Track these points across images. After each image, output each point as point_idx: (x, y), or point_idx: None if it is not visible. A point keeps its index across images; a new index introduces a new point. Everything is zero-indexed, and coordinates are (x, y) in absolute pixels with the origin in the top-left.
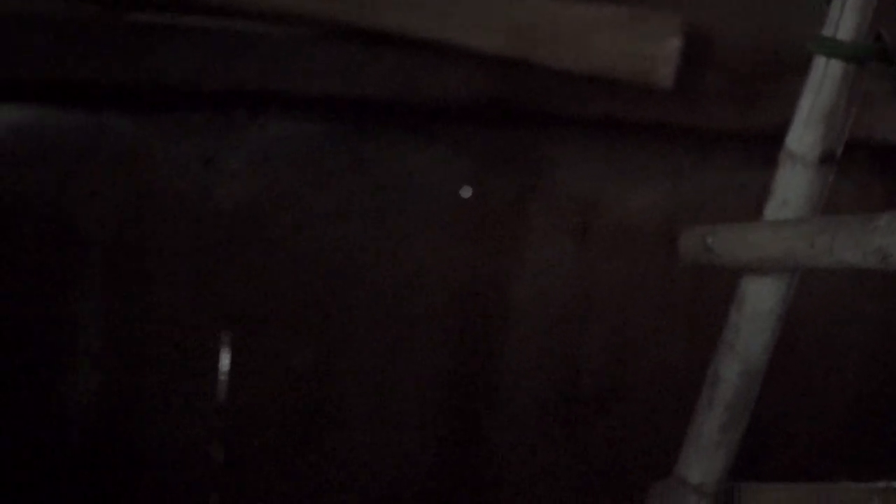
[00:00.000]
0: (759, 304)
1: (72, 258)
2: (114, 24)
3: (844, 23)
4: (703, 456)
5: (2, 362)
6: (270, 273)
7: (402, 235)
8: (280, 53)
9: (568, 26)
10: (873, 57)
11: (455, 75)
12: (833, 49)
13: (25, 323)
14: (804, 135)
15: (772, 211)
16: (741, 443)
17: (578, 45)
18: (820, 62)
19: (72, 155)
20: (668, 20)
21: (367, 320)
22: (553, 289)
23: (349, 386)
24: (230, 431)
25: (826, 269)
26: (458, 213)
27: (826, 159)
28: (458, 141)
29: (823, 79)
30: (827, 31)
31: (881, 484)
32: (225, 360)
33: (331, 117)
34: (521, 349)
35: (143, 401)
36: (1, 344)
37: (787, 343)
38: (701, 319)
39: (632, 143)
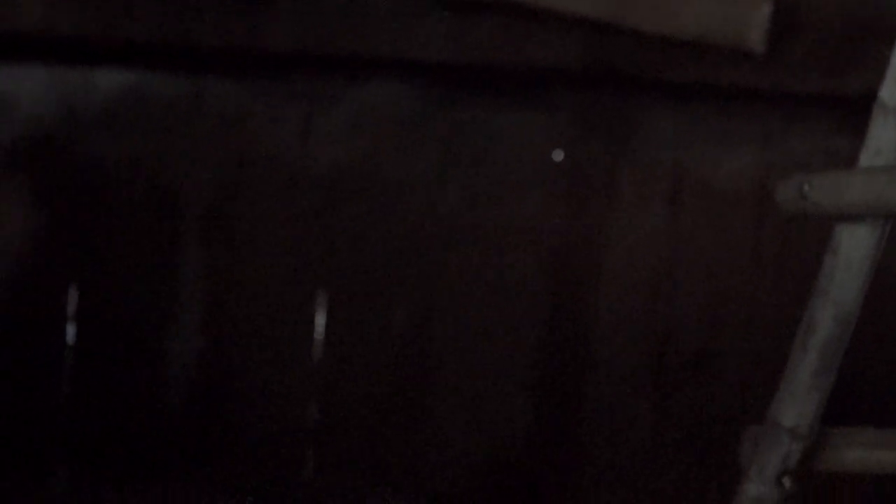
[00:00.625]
0: (853, 251)
1: (173, 221)
2: None
3: None
4: (797, 399)
5: (106, 325)
6: (367, 236)
7: (497, 199)
8: (382, 20)
9: None
10: None
11: (551, 40)
12: None
13: (129, 286)
14: None
15: (866, 160)
16: (833, 387)
17: (671, 9)
18: None
19: (173, 118)
20: None
21: (463, 282)
22: (644, 252)
23: (445, 347)
24: (327, 391)
25: None
26: (551, 177)
27: None
28: (552, 105)
29: None
30: None
31: None
32: (322, 322)
33: (428, 82)
34: (613, 312)
35: (243, 361)
36: (105, 306)
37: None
38: (789, 284)
39: (722, 108)
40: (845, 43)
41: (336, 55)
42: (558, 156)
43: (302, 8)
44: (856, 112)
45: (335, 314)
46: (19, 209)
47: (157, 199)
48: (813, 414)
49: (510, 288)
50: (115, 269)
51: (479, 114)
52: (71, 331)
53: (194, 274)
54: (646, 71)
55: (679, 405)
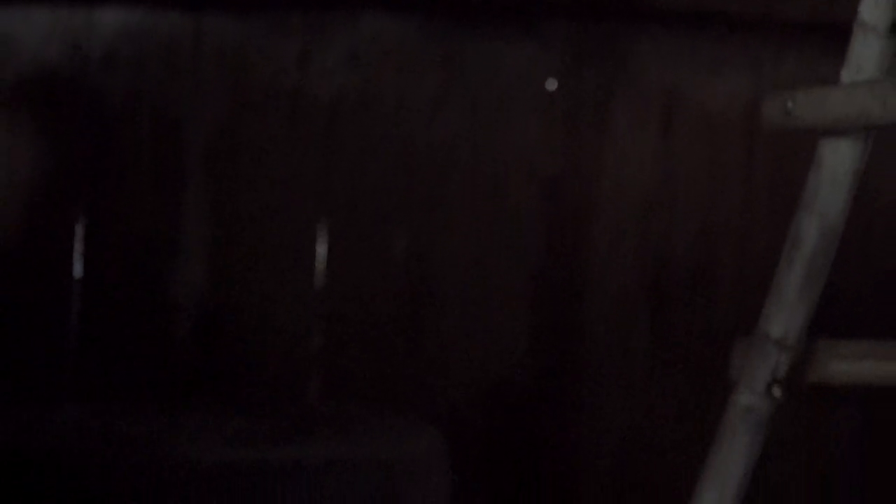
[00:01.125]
0: (837, 165)
1: (176, 155)
2: None
3: None
4: (784, 311)
5: (113, 258)
6: (366, 166)
7: (494, 128)
8: None
9: None
10: None
11: None
12: None
13: (134, 220)
14: (875, 5)
15: (847, 77)
16: (819, 300)
17: None
18: None
19: (175, 55)
20: None
21: (461, 209)
22: (639, 176)
23: (445, 273)
24: (330, 317)
25: None
26: (546, 106)
27: None
28: (547, 35)
29: None
30: None
31: None
32: (323, 249)
33: (425, 15)
34: (609, 234)
35: (247, 290)
36: (112, 240)
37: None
38: (780, 206)
39: (714, 36)
40: None
41: None
42: (552, 85)
43: None
44: (845, 38)
45: (336, 242)
46: (27, 146)
47: (161, 134)
48: (800, 325)
49: (508, 213)
50: (121, 203)
51: (475, 45)
52: (78, 264)
53: (198, 206)
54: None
55: (675, 324)
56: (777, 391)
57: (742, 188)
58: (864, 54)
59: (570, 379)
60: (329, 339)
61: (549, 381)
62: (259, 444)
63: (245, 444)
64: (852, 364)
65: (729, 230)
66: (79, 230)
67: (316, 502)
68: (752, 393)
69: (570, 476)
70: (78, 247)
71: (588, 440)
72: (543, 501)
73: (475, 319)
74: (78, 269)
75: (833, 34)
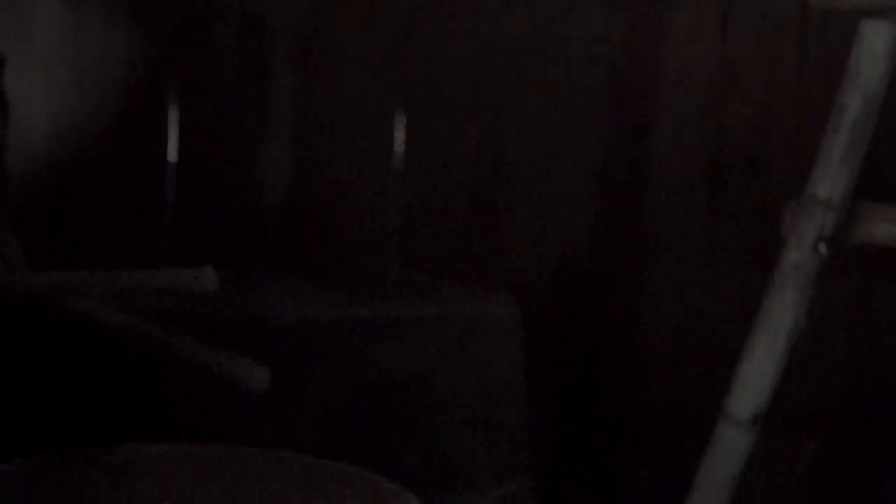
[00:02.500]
0: (876, 41)
1: (262, 48)
2: None
3: None
4: (829, 174)
5: (204, 141)
6: (442, 58)
7: (559, 20)
8: None
9: None
10: None
11: None
12: None
13: (223, 107)
14: None
15: None
16: (861, 165)
17: None
18: None
19: None
20: None
21: (531, 96)
22: (698, 65)
23: (517, 158)
24: (409, 200)
25: None
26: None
27: None
28: None
29: None
30: None
31: None
32: (402, 137)
33: None
34: (670, 119)
35: (330, 175)
36: (203, 125)
37: None
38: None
39: None
40: None
41: None
42: None
43: None
44: None
45: (414, 129)
46: (124, 37)
47: (249, 28)
48: (844, 187)
49: (574, 101)
50: (211, 93)
51: None
52: (172, 149)
53: (283, 95)
54: None
55: (732, 203)
56: (823, 248)
57: (795, 74)
58: None
59: (632, 257)
60: (407, 218)
61: (613, 259)
62: (343, 304)
63: (330, 304)
64: (894, 226)
65: (783, 113)
66: (172, 118)
67: (399, 355)
68: (801, 250)
69: (633, 347)
70: (172, 133)
71: (649, 314)
72: (608, 369)
73: (544, 201)
74: (172, 154)
75: None
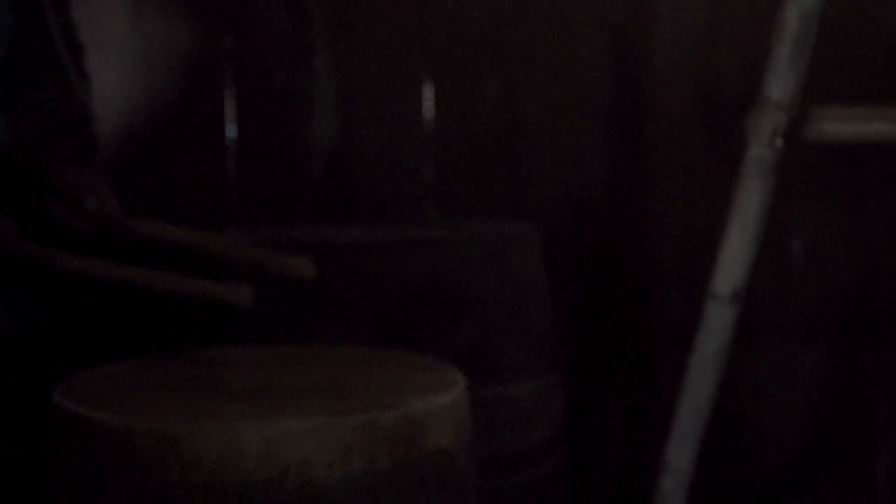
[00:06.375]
0: None
1: (304, 25)
2: None
3: None
4: (779, 78)
5: (258, 115)
6: (461, 22)
7: None
8: None
9: None
10: None
11: None
12: None
13: (271, 82)
14: None
15: None
16: (807, 73)
17: None
18: None
19: None
20: None
21: (542, 54)
22: (691, 16)
23: (530, 107)
24: (438, 151)
25: None
26: None
27: None
28: None
29: None
30: None
31: None
32: (430, 97)
33: None
34: (667, 64)
35: (368, 134)
36: (255, 100)
37: None
38: None
39: None
40: None
41: None
42: None
43: None
44: None
45: (440, 88)
46: (182, 26)
47: (291, 8)
48: (792, 90)
49: (581, 54)
50: (261, 70)
51: None
52: (230, 111)
53: (326, 66)
54: None
55: (727, 140)
56: (779, 142)
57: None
58: None
59: (638, 188)
60: (439, 169)
61: (622, 193)
62: (385, 231)
63: (374, 230)
64: (842, 125)
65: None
66: (228, 96)
67: (437, 267)
68: (760, 145)
69: (642, 267)
70: (229, 105)
71: (655, 235)
72: (622, 283)
73: (558, 145)
74: (231, 129)
75: None
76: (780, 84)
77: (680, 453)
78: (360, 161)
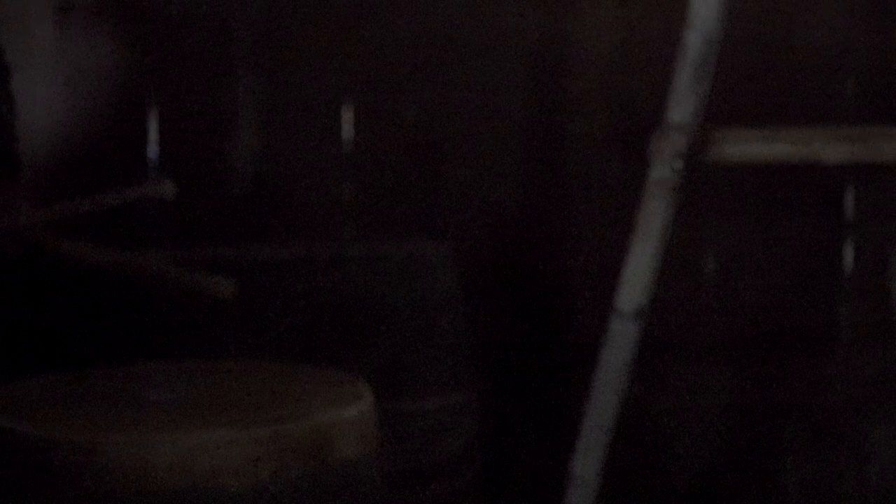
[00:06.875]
0: None
1: (227, 50)
2: None
3: None
4: (680, 102)
5: (181, 137)
6: (382, 49)
7: (483, 9)
8: None
9: None
10: None
11: None
12: None
13: (196, 104)
14: None
15: None
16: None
17: None
18: None
19: None
20: None
21: (462, 75)
22: (604, 41)
23: (451, 130)
24: (359, 171)
25: None
26: None
27: None
28: None
29: None
30: None
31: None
32: (351, 119)
33: None
34: (583, 90)
35: (290, 155)
36: (179, 122)
37: None
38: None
39: None
40: None
41: None
42: None
43: None
44: None
45: (361, 112)
46: (105, 49)
47: (215, 33)
48: (692, 113)
49: (499, 78)
50: (185, 93)
51: None
52: (153, 132)
53: (248, 90)
54: None
55: (640, 161)
56: (678, 163)
57: None
58: None
59: (555, 209)
60: (359, 189)
61: (539, 212)
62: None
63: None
64: (742, 147)
65: None
66: (152, 118)
67: (350, 284)
68: (661, 166)
69: (558, 284)
70: (153, 124)
71: (572, 256)
72: (537, 306)
73: (476, 165)
74: (153, 151)
75: None
76: (681, 107)
77: (586, 465)
78: (282, 181)
